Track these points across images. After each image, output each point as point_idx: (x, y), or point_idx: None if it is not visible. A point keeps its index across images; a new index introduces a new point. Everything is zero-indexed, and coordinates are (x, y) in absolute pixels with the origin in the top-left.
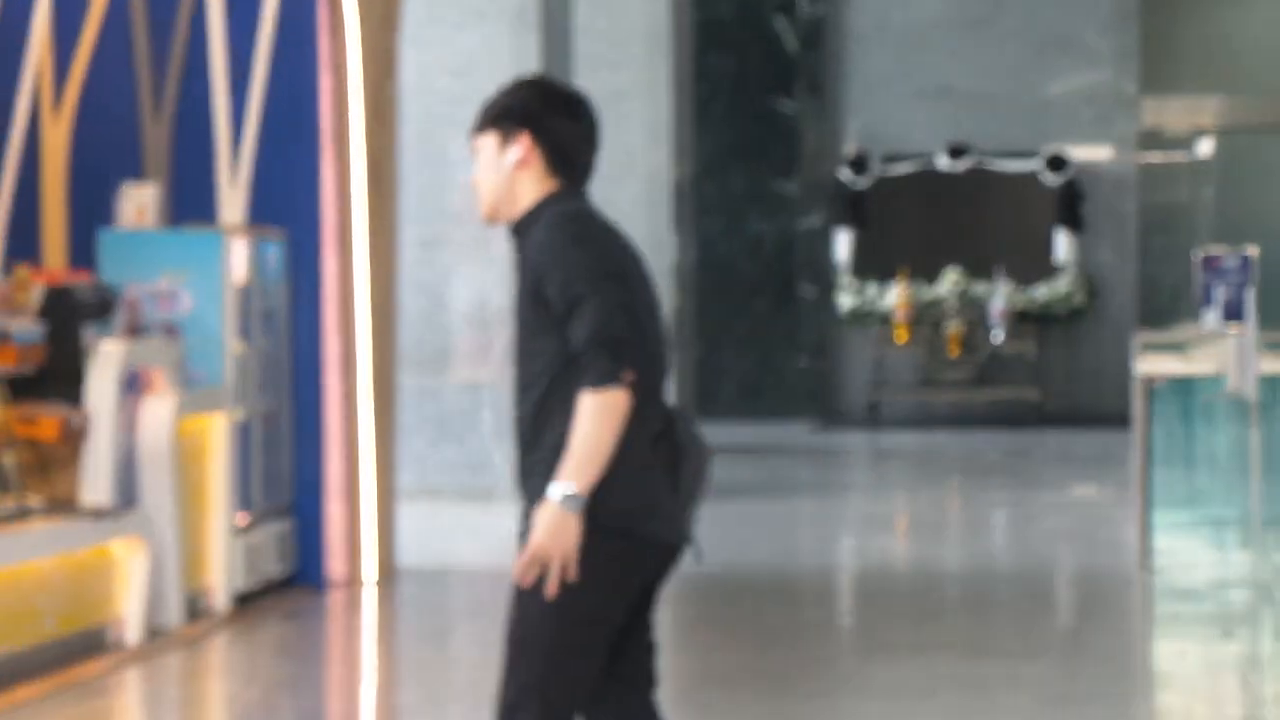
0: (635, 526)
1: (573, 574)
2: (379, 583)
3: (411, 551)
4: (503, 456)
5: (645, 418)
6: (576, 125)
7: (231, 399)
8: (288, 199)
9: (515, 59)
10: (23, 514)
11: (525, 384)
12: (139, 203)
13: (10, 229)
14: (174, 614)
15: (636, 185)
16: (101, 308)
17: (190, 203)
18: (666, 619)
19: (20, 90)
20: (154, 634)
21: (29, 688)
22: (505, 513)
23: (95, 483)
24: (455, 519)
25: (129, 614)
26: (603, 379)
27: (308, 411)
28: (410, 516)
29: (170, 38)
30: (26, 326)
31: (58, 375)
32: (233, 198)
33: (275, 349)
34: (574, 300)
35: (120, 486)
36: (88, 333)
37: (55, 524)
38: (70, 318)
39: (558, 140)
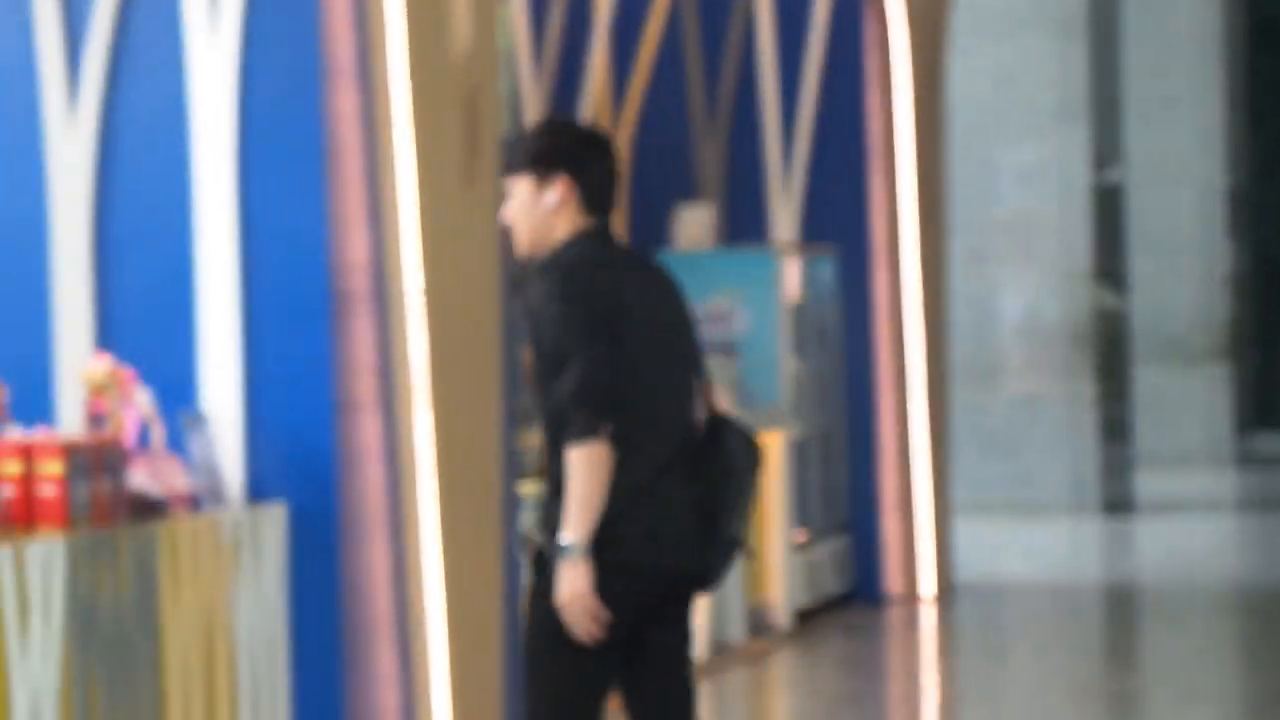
0: (618, 555)
1: (597, 614)
2: (936, 598)
3: (965, 566)
4: (1055, 470)
5: (643, 454)
6: (606, 164)
7: (788, 417)
8: (839, 215)
9: (1060, 67)
10: None
11: (542, 426)
12: (694, 223)
13: None
14: (738, 629)
15: (1189, 192)
16: None
17: (743, 221)
18: (1228, 636)
19: (580, 114)
20: (718, 649)
21: None
22: (1058, 527)
23: None
24: (1007, 534)
25: (695, 629)
26: (583, 433)
27: (861, 428)
28: (962, 532)
29: (722, 58)
30: None
31: None
32: (785, 216)
33: (829, 366)
34: (562, 355)
35: None
36: None
37: None
38: None
39: (591, 180)
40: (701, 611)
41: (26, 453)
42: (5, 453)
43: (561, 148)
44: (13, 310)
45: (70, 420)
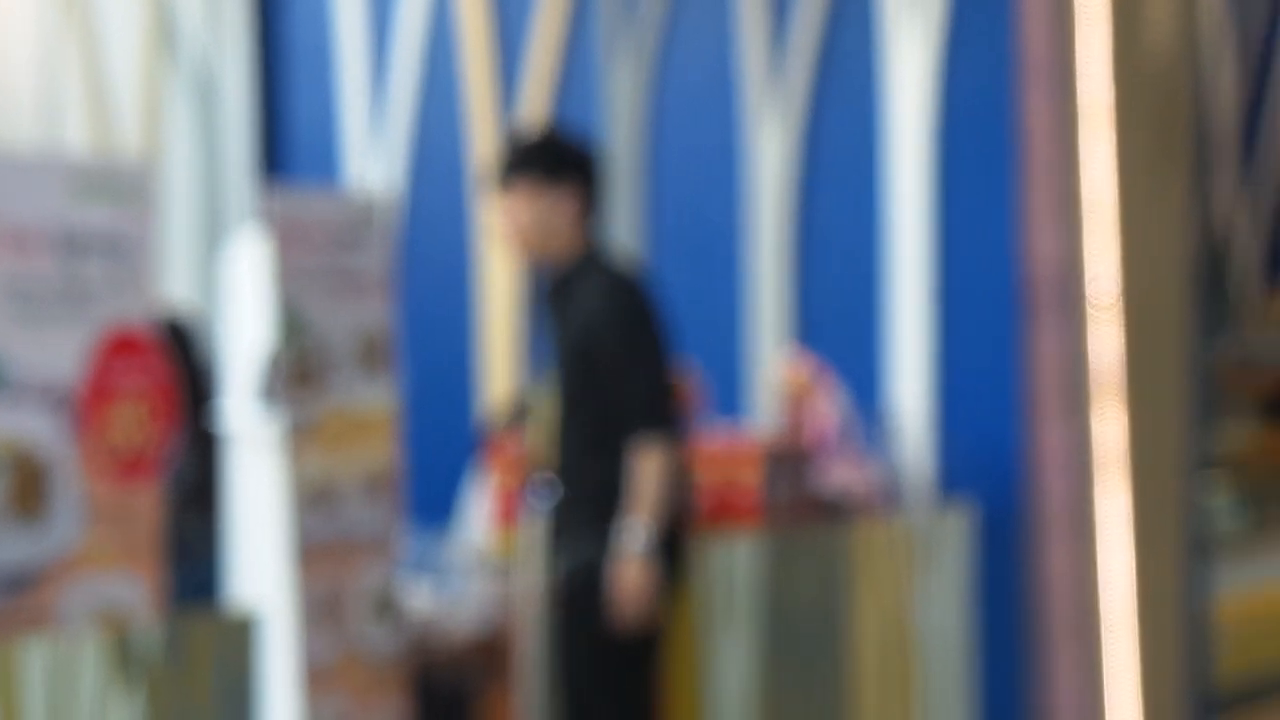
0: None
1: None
2: None
3: None
4: None
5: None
6: (601, 172)
7: None
8: None
9: None
10: None
11: (563, 432)
12: None
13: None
14: None
15: None
16: None
17: None
18: None
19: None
20: None
21: None
22: None
23: None
24: None
25: None
26: (658, 438)
27: None
28: None
29: None
30: (1275, 346)
31: None
32: None
33: None
34: (624, 368)
35: None
36: None
37: None
38: None
39: (595, 187)
40: None
41: (727, 452)
42: (706, 453)
43: (570, 153)
44: (714, 307)
45: (765, 414)
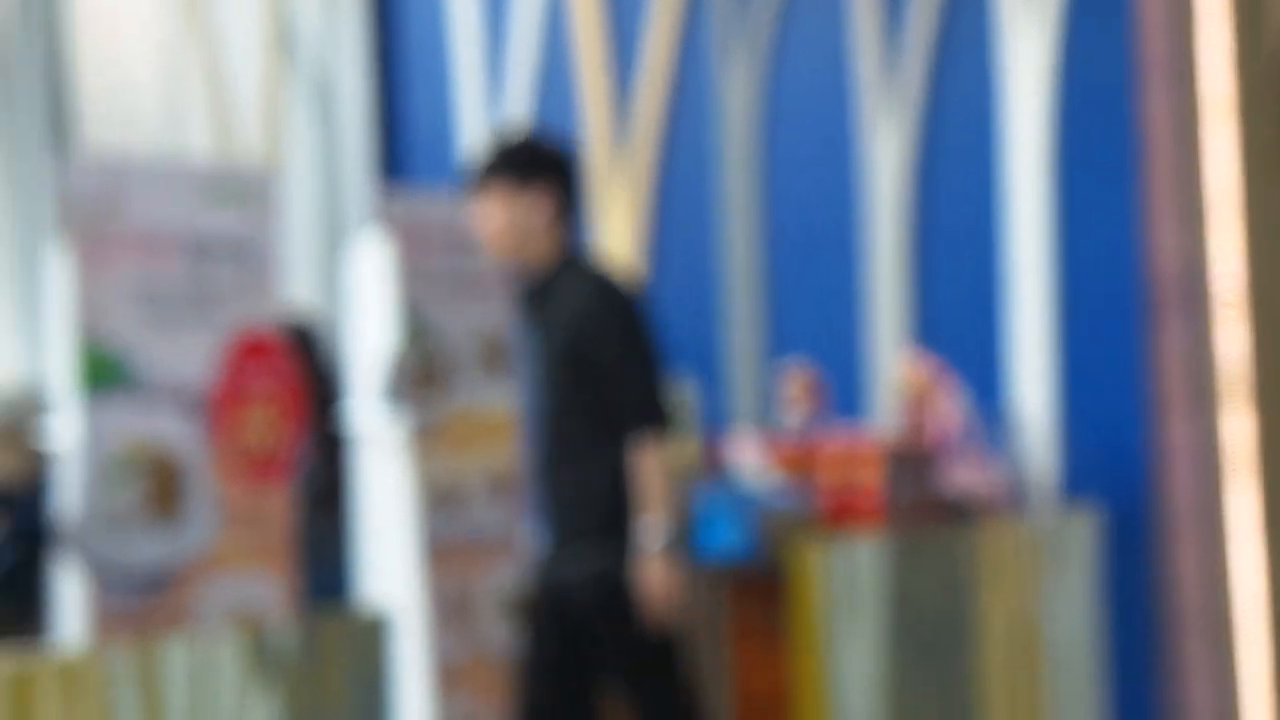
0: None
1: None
2: None
3: None
4: None
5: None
6: (579, 175)
7: None
8: None
9: None
10: None
11: (552, 438)
12: None
13: None
14: None
15: None
16: None
17: None
18: None
19: None
20: None
21: None
22: None
23: None
24: None
25: None
26: (658, 437)
27: None
28: None
29: None
30: None
31: None
32: None
33: None
34: (620, 368)
35: None
36: None
37: None
38: None
39: (571, 189)
40: None
41: (849, 453)
42: (828, 453)
43: (545, 154)
44: (832, 308)
45: (885, 415)
